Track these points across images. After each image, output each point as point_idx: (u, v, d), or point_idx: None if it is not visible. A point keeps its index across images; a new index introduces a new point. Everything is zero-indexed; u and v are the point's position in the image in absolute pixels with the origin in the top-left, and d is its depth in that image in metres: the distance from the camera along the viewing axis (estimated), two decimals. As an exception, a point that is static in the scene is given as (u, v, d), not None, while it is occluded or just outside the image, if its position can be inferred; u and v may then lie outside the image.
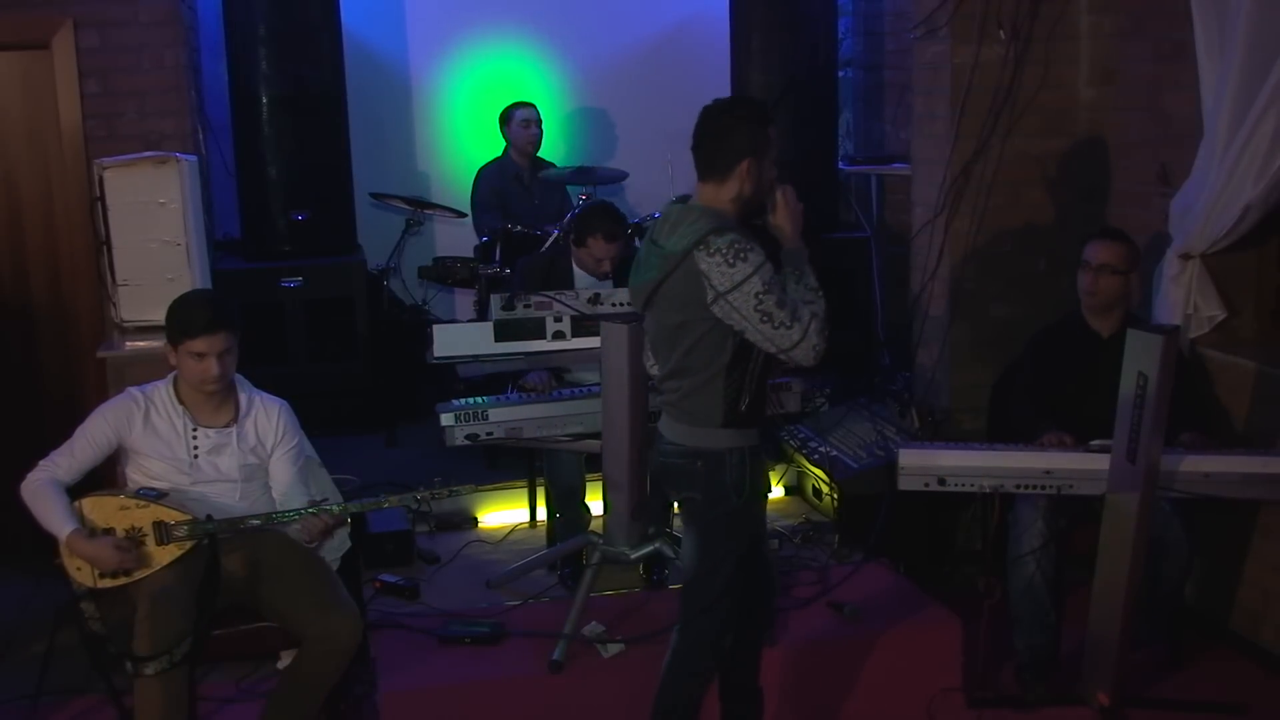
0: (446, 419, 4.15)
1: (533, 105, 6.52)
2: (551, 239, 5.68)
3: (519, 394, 4.47)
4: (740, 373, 3.14)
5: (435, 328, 4.32)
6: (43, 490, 3.51)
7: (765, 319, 3.02)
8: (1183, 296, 4.36)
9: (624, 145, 7.20)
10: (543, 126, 6.52)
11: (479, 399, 4.26)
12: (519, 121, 6.46)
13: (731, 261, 3.01)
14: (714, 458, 3.19)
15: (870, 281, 6.53)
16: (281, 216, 5.89)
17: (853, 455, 5.03)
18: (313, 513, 3.55)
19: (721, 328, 3.08)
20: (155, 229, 4.55)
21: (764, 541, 3.51)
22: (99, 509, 3.51)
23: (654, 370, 3.35)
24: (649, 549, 4.20)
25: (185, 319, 3.54)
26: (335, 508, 3.64)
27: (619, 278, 4.64)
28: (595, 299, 4.25)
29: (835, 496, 4.99)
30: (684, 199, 3.23)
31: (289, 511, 3.58)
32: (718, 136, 3.13)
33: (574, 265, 4.73)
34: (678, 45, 7.16)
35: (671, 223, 3.15)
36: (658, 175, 6.66)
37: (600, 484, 4.19)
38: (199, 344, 3.51)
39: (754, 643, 3.53)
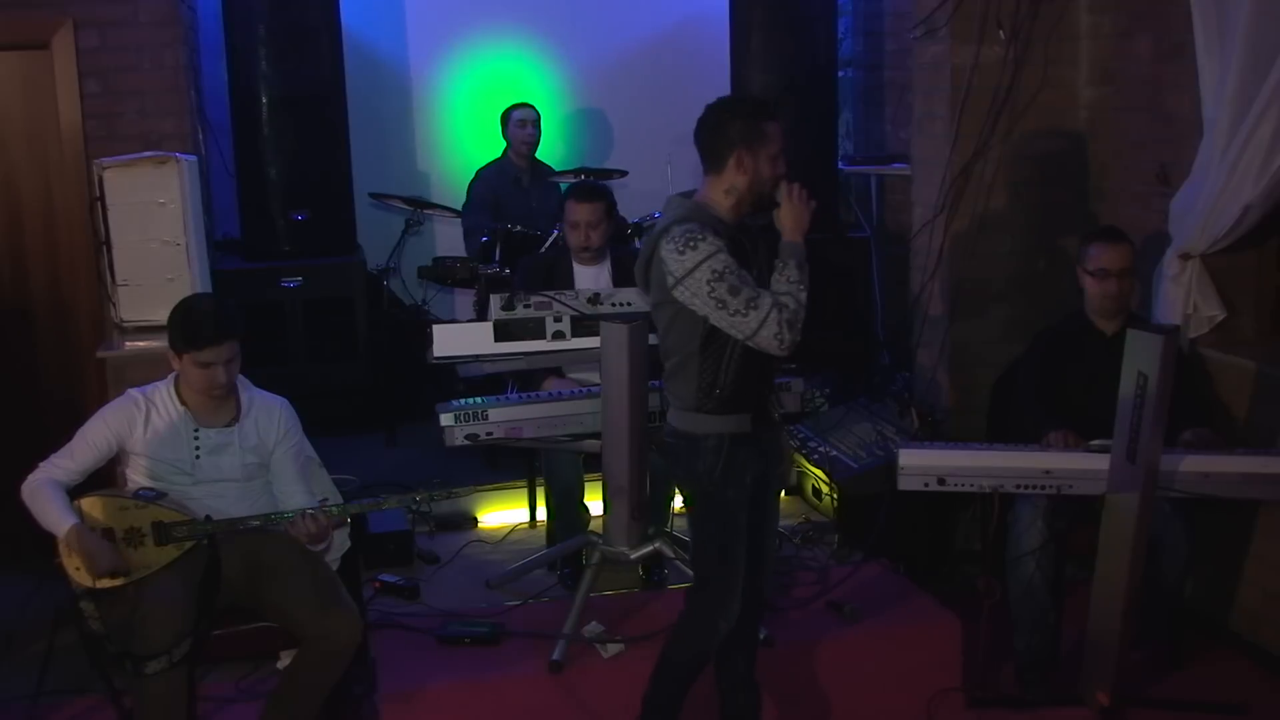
0: (446, 419, 4.15)
1: (531, 106, 6.52)
2: (551, 239, 5.69)
3: (519, 393, 4.47)
4: (715, 357, 3.25)
5: (435, 328, 4.32)
6: (42, 490, 3.51)
7: (720, 305, 3.15)
8: (1183, 296, 4.36)
9: (624, 145, 7.20)
10: (540, 128, 6.51)
11: (479, 399, 4.26)
12: (515, 121, 6.46)
13: (682, 250, 3.15)
14: (691, 441, 3.32)
15: (870, 281, 6.53)
16: (281, 216, 5.89)
17: (853, 455, 5.03)
18: (311, 513, 3.55)
19: (688, 312, 3.21)
20: (155, 229, 4.56)
21: (765, 535, 3.51)
22: (98, 509, 3.51)
23: None
24: (649, 549, 4.20)
25: (191, 330, 3.53)
26: (335, 508, 3.65)
27: (618, 276, 4.64)
28: (595, 299, 4.25)
29: (835, 496, 4.99)
30: (688, 193, 3.36)
31: (288, 512, 3.58)
32: (711, 130, 3.29)
33: (573, 263, 4.73)
34: (678, 45, 7.16)
35: (664, 212, 3.35)
36: (658, 175, 6.66)
37: (600, 484, 4.19)
38: (206, 355, 3.51)
39: (743, 636, 3.54)
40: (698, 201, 3.29)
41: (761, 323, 3.15)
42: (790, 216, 3.28)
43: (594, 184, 4.98)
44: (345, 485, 4.33)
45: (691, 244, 3.15)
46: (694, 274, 3.14)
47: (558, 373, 4.62)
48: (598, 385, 4.12)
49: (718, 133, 3.26)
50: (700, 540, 3.41)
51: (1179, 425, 3.87)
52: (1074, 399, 4.07)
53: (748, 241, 3.31)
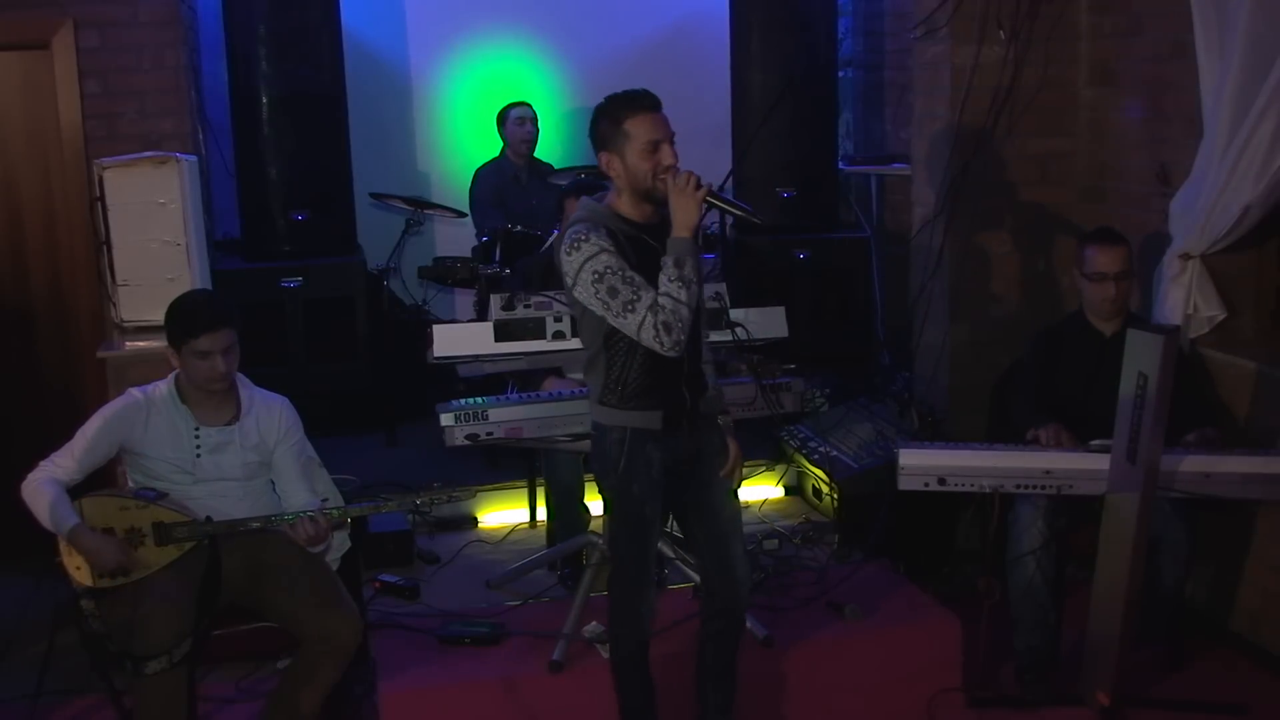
0: (446, 419, 4.14)
1: (528, 104, 6.52)
2: (552, 239, 5.68)
3: (519, 393, 4.47)
4: (621, 354, 3.26)
5: (435, 328, 4.31)
6: (43, 489, 3.51)
7: (605, 306, 3.16)
8: (1183, 297, 4.36)
9: (624, 145, 7.19)
10: (538, 125, 6.51)
11: (479, 399, 4.26)
12: (514, 119, 6.46)
13: (568, 250, 3.17)
14: (600, 432, 3.35)
15: (870, 281, 6.53)
16: (281, 216, 5.89)
17: (853, 455, 5.03)
18: (310, 516, 3.55)
19: (590, 309, 3.22)
20: (155, 229, 4.56)
21: (721, 535, 3.50)
22: (98, 509, 3.51)
23: None
24: (649, 549, 4.19)
25: (187, 319, 3.54)
26: (335, 511, 3.65)
27: None
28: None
29: (835, 496, 4.99)
30: (602, 195, 3.38)
31: (288, 514, 3.58)
32: (589, 134, 3.29)
33: None
34: (677, 45, 7.16)
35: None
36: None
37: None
38: (203, 342, 3.51)
39: (716, 629, 3.55)
40: (606, 202, 3.30)
41: (640, 325, 3.13)
42: (678, 209, 3.16)
43: (589, 182, 4.98)
44: (345, 485, 4.33)
45: (576, 245, 3.15)
46: (580, 274, 3.15)
47: (558, 373, 4.61)
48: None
49: (591, 136, 3.28)
50: (613, 530, 3.45)
51: (1183, 427, 3.87)
52: (1072, 399, 4.07)
53: (656, 240, 3.23)
